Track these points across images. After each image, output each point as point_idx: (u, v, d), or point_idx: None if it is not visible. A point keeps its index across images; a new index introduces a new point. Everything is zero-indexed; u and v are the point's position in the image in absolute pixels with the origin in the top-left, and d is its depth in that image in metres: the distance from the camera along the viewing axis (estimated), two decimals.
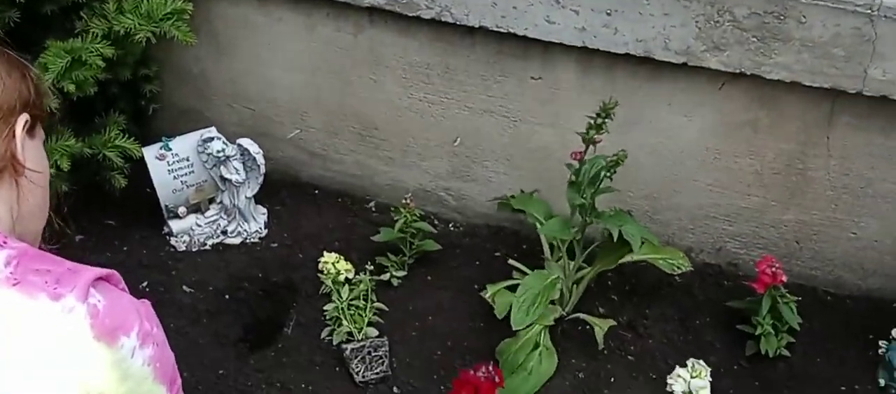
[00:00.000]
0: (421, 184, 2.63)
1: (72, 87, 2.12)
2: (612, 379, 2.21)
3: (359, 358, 2.21)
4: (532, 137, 2.41)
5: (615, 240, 2.00)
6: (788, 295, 2.20)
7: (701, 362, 1.84)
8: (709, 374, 1.82)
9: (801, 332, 2.25)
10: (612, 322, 2.23)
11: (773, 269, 2.15)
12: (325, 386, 2.20)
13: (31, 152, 1.24)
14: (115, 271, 1.09)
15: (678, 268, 2.24)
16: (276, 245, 2.60)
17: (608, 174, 1.95)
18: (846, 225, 2.28)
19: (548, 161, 2.44)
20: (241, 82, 2.64)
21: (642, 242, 2.09)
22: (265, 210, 2.64)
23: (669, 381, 1.84)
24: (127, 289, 1.10)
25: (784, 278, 2.14)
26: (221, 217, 2.58)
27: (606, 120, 1.92)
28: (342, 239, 2.60)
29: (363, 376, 2.18)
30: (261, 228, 2.61)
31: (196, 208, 2.58)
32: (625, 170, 2.32)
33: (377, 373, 2.19)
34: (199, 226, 2.57)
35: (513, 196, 2.37)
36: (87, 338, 0.98)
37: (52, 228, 1.39)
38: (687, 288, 2.44)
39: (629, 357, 2.26)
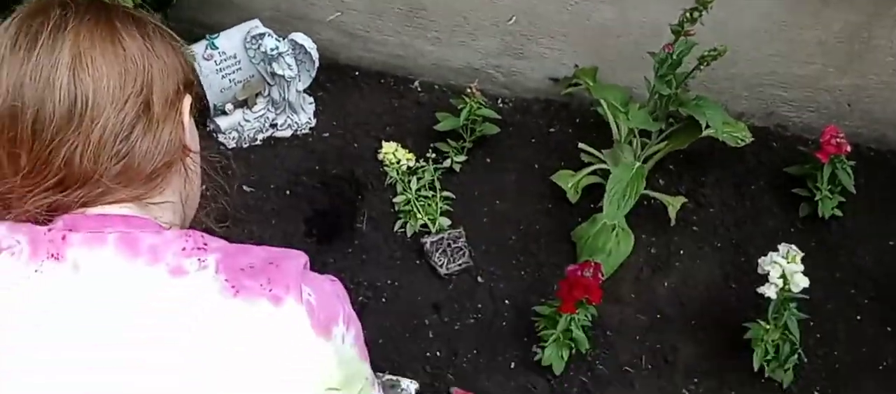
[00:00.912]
0: (469, 62, 2.59)
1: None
2: (681, 251, 2.32)
3: (440, 251, 2.27)
4: (592, 15, 2.37)
5: (704, 128, 2.03)
6: (845, 160, 2.30)
7: (793, 246, 1.94)
8: (800, 257, 1.93)
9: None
10: (683, 199, 2.31)
11: (837, 140, 2.23)
12: (410, 281, 2.26)
13: (193, 133, 1.19)
14: (303, 253, 1.08)
15: (741, 141, 2.30)
16: (327, 135, 2.56)
17: (701, 67, 1.96)
18: None
19: (606, 38, 2.41)
20: None
21: None
22: (313, 100, 2.58)
23: (764, 265, 1.95)
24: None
25: (848, 148, 2.23)
26: (269, 110, 2.51)
27: (703, 12, 1.90)
28: (393, 124, 2.58)
29: (447, 269, 2.25)
30: (310, 119, 2.56)
31: (242, 103, 2.50)
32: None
33: (460, 264, 2.26)
34: (248, 121, 2.50)
35: (586, 82, 2.35)
36: (310, 338, 0.96)
37: (218, 205, 1.35)
38: (738, 153, 2.51)
39: (694, 228, 2.36)
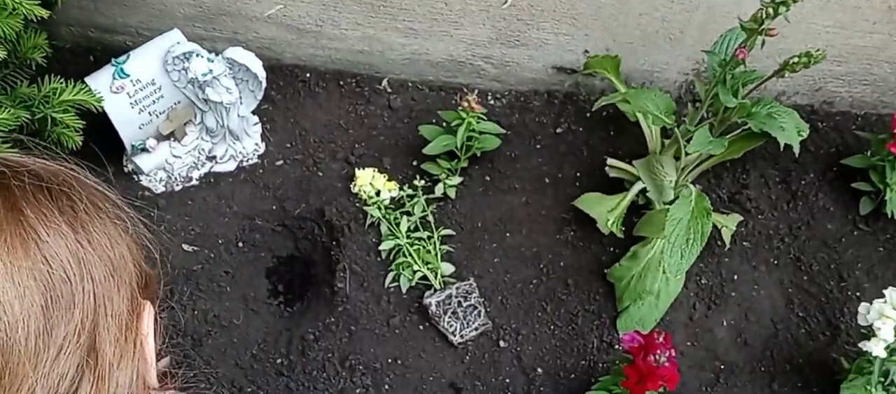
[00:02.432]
0: (451, 55, 2.07)
1: (2, 53, 1.38)
2: (735, 277, 1.92)
3: (449, 312, 1.81)
4: None
5: (782, 146, 1.60)
6: None
7: None
8: None
9: None
10: (738, 217, 1.90)
11: None
12: (417, 355, 1.80)
13: (152, 356, 0.75)
14: None
15: (802, 136, 1.89)
16: (281, 162, 2.03)
17: (784, 74, 1.51)
18: None
19: (625, 17, 1.93)
20: None
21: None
22: (257, 120, 2.02)
23: (868, 317, 1.57)
24: None
25: None
26: (203, 140, 1.96)
27: (789, 4, 1.43)
28: (363, 139, 2.06)
29: (461, 335, 1.79)
30: (258, 144, 2.01)
31: (168, 136, 1.94)
32: (726, 19, 1.89)
33: (476, 328, 1.81)
34: (178, 157, 1.94)
35: (608, 77, 1.88)
36: None
37: None
38: None
39: (744, 243, 1.96)
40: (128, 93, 1.78)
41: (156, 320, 0.75)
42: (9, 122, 1.51)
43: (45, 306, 0.61)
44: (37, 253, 0.62)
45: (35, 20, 1.40)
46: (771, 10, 1.44)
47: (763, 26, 1.47)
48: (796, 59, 1.47)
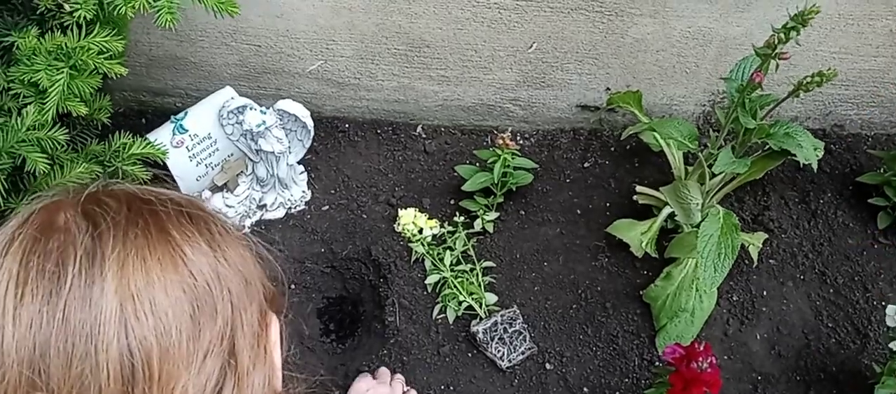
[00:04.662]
0: (481, 99, 2.20)
1: (83, 109, 1.51)
2: (765, 292, 2.02)
3: (496, 339, 1.90)
4: (628, 31, 2.01)
5: (802, 164, 1.72)
6: None
7: None
8: None
9: None
10: (763, 235, 2.01)
11: None
12: (468, 380, 1.89)
13: (278, 359, 0.85)
14: None
15: (818, 155, 2.00)
16: (327, 208, 2.15)
17: (799, 94, 1.63)
18: None
19: (643, 54, 2.07)
20: (241, 15, 2.03)
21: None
22: (303, 169, 2.15)
23: None
24: None
25: None
26: (254, 189, 2.08)
27: (799, 29, 1.56)
28: (403, 182, 2.18)
29: (509, 360, 1.88)
30: (305, 192, 2.13)
31: (221, 187, 2.06)
32: (738, 51, 2.02)
33: (522, 352, 1.90)
34: (231, 206, 2.06)
35: (632, 111, 2.00)
36: None
37: None
38: (795, 162, 2.22)
39: (771, 261, 2.06)
40: (187, 147, 1.91)
41: (281, 330, 0.85)
42: (84, 175, 1.63)
43: (193, 313, 0.70)
44: (184, 268, 0.72)
45: (113, 78, 1.53)
46: (783, 35, 1.57)
47: (776, 51, 1.60)
48: (809, 79, 1.59)
